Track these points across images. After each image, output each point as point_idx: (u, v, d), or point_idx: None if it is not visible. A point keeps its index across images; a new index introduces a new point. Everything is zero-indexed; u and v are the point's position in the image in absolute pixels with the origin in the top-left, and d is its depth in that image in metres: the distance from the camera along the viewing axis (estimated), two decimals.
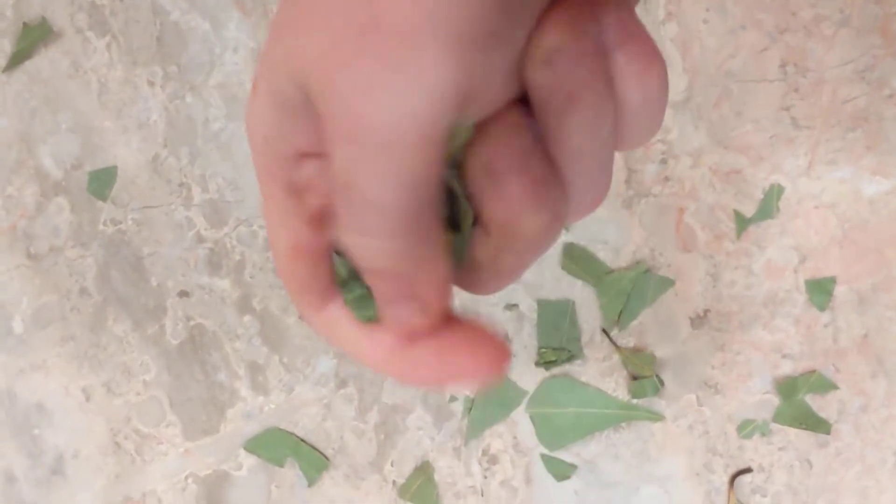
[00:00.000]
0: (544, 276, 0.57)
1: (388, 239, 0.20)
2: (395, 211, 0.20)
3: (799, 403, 0.56)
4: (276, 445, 0.57)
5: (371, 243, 0.20)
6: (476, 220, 0.23)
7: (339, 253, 0.23)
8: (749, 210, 0.56)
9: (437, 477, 0.57)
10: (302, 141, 0.22)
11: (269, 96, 0.21)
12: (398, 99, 0.19)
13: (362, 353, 0.24)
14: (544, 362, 0.56)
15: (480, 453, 0.57)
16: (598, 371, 0.57)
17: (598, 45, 0.21)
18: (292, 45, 0.20)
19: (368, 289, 0.23)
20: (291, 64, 0.20)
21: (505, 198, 0.21)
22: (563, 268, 0.57)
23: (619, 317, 0.56)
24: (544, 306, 0.57)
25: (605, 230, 0.56)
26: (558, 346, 0.57)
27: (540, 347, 0.57)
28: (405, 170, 0.19)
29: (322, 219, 0.23)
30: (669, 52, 0.56)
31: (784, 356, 0.56)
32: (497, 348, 0.23)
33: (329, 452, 0.57)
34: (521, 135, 0.21)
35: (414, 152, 0.19)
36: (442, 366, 0.23)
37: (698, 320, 0.56)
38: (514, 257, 0.23)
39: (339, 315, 0.24)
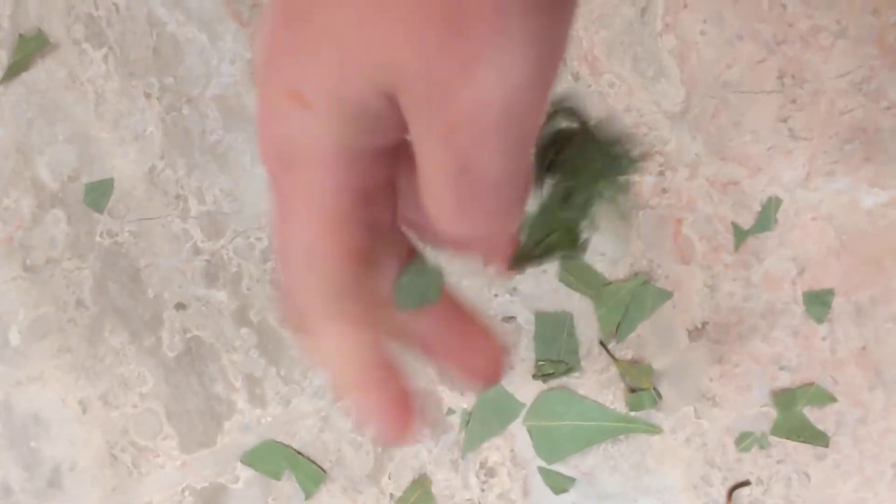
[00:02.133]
0: (542, 288, 0.57)
1: (507, 211, 0.21)
2: (517, 182, 0.20)
3: (797, 416, 0.55)
4: (273, 458, 0.57)
5: (485, 220, 0.21)
6: None
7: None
8: (747, 221, 0.56)
9: (434, 490, 0.57)
10: (379, 144, 0.21)
11: (338, 107, 0.20)
12: (506, 71, 0.18)
13: (339, 369, 0.24)
14: (542, 375, 0.56)
15: (478, 466, 0.57)
16: (596, 383, 0.56)
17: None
18: (368, 48, 0.19)
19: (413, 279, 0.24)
20: (369, 67, 0.19)
21: None
22: (561, 280, 0.57)
23: (616, 329, 0.56)
24: (542, 319, 0.56)
25: (603, 242, 0.56)
26: (556, 359, 0.56)
27: (538, 360, 0.56)
28: (524, 140, 0.20)
29: (381, 229, 0.23)
30: (667, 63, 0.56)
31: (782, 368, 0.56)
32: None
33: (326, 465, 0.57)
34: None
35: (527, 121, 0.19)
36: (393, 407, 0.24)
37: (696, 332, 0.56)
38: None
39: (340, 330, 0.24)
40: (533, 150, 0.22)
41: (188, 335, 0.58)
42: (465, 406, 0.57)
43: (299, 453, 0.57)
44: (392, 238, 0.24)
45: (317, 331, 0.24)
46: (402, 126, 0.20)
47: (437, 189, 0.20)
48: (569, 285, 0.56)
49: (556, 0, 0.19)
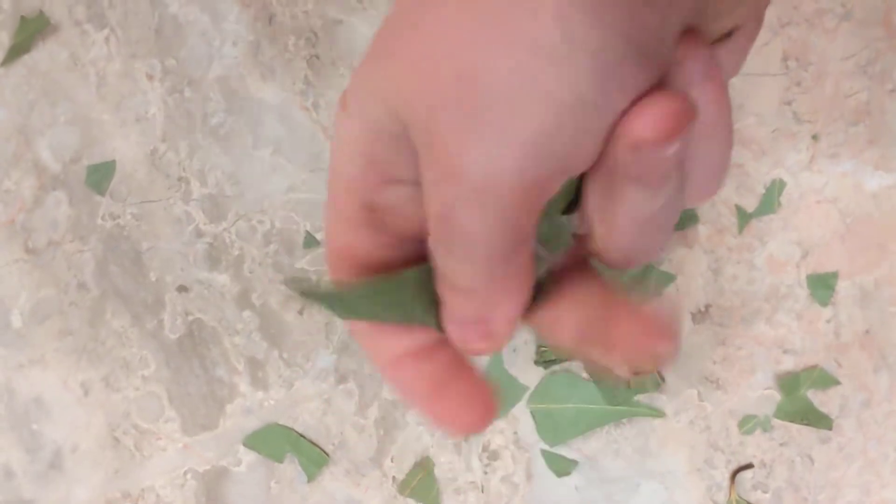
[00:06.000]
0: None
1: (476, 268, 0.21)
2: (486, 248, 0.21)
3: (800, 399, 0.55)
4: (276, 441, 0.57)
5: (459, 266, 0.21)
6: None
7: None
8: (751, 204, 0.56)
9: (437, 472, 0.57)
10: (394, 168, 0.22)
11: (363, 119, 0.22)
12: (493, 149, 0.19)
13: (376, 350, 0.25)
14: (543, 361, 0.56)
15: (481, 449, 0.57)
16: None
17: (684, 145, 0.22)
18: (391, 76, 0.21)
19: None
20: (390, 95, 0.21)
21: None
22: None
23: None
24: None
25: None
26: None
27: (539, 346, 0.56)
28: (499, 214, 0.20)
29: (398, 238, 0.24)
30: None
31: (786, 351, 0.56)
32: (485, 409, 0.24)
33: (329, 448, 0.57)
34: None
35: (508, 200, 0.20)
36: (432, 398, 0.24)
37: (700, 315, 0.56)
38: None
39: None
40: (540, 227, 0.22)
41: (190, 318, 0.58)
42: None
43: (302, 436, 0.57)
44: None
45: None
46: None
47: (429, 222, 0.21)
48: None
49: (574, 110, 0.19)
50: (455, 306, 0.23)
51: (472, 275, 0.21)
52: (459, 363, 0.25)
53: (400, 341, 0.24)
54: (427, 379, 0.24)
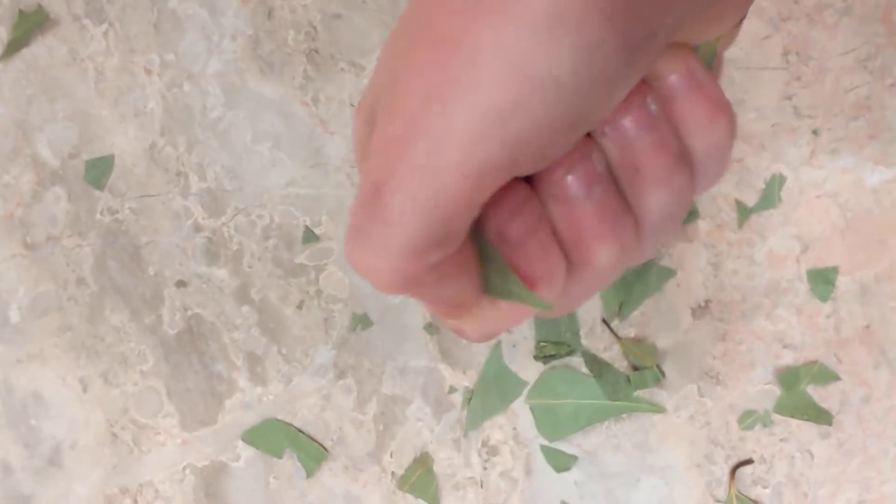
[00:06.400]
0: None
1: (406, 255, 0.20)
2: (415, 231, 0.19)
3: (801, 394, 0.55)
4: (275, 436, 0.57)
5: (384, 257, 0.21)
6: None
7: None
8: (751, 199, 0.55)
9: (436, 468, 0.57)
10: None
11: (363, 111, 0.22)
12: (443, 123, 0.18)
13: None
14: (543, 356, 0.56)
15: (480, 444, 0.57)
16: None
17: (658, 115, 0.21)
18: (381, 57, 0.20)
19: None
20: (378, 74, 0.20)
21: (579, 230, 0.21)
22: None
23: (619, 307, 0.56)
24: None
25: None
26: (557, 340, 0.56)
27: (539, 341, 0.56)
28: (430, 199, 0.19)
29: None
30: None
31: (786, 346, 0.56)
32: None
33: (328, 443, 0.57)
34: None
35: (444, 187, 0.18)
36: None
37: (700, 310, 0.56)
38: (582, 288, 0.23)
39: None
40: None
41: (189, 313, 0.58)
42: (467, 384, 0.57)
43: (301, 432, 0.57)
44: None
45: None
46: None
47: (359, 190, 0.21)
48: None
49: (543, 90, 0.18)
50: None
51: (404, 259, 0.20)
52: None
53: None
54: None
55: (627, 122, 0.20)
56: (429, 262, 0.20)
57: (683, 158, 0.21)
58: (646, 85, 0.21)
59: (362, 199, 0.20)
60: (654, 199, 0.21)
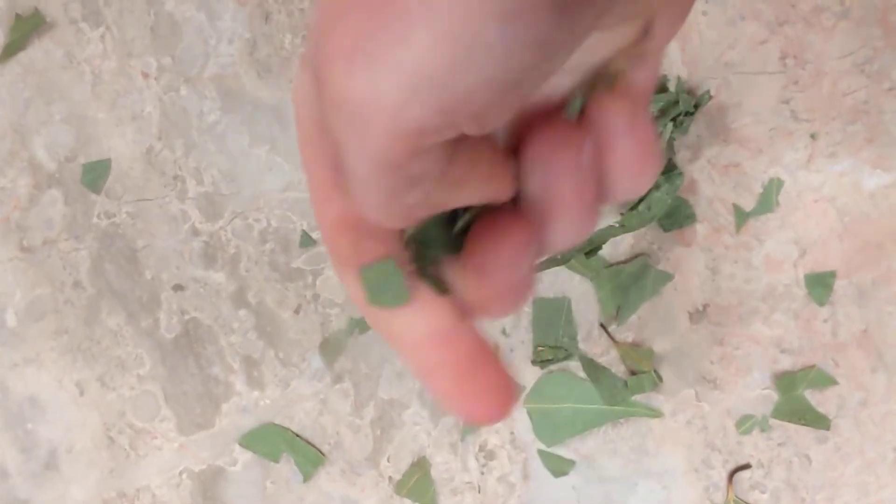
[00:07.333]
0: (540, 272, 0.56)
1: (368, 209, 0.20)
2: (369, 185, 0.19)
3: (798, 399, 0.55)
4: (272, 440, 0.57)
5: (367, 210, 0.20)
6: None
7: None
8: (748, 203, 0.55)
9: (433, 472, 0.56)
10: None
11: (310, 73, 0.20)
12: (376, 74, 0.17)
13: (391, 333, 0.24)
14: (540, 361, 0.56)
15: (477, 449, 0.56)
16: None
17: (583, 156, 0.21)
18: (314, 21, 0.19)
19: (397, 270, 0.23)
20: (310, 39, 0.19)
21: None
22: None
23: (617, 311, 0.56)
24: (540, 304, 0.56)
25: (604, 223, 0.56)
26: (554, 345, 0.56)
27: (536, 346, 0.56)
28: (375, 151, 0.18)
29: None
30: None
31: (783, 351, 0.55)
32: (505, 397, 0.24)
33: (325, 448, 0.57)
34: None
35: (386, 136, 0.18)
36: (455, 388, 0.23)
37: (697, 314, 0.56)
38: (497, 299, 0.23)
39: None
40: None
41: (186, 317, 0.58)
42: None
43: (298, 436, 0.57)
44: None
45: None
46: None
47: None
48: (569, 267, 0.56)
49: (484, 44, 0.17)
50: None
51: (368, 216, 0.20)
52: (481, 350, 0.24)
53: (417, 325, 0.23)
54: (449, 367, 0.23)
55: (555, 164, 0.21)
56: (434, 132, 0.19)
57: (600, 199, 0.22)
58: (584, 127, 0.21)
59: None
60: (558, 228, 0.22)
